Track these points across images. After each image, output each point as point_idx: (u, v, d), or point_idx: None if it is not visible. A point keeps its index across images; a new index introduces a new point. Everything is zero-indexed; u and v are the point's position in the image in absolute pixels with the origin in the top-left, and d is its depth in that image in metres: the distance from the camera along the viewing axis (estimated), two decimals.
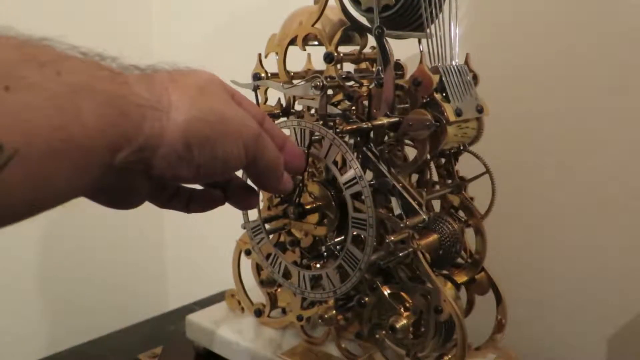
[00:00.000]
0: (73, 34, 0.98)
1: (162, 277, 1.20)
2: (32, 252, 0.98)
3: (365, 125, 0.51)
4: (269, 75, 0.62)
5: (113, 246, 1.09)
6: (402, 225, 0.50)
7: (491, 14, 0.71)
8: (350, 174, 0.51)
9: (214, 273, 0.90)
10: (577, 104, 0.67)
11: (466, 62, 0.56)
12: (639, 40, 0.62)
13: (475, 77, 0.56)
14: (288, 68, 0.61)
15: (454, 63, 0.54)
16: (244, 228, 0.62)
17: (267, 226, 0.60)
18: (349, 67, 0.63)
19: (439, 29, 0.53)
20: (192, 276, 1.17)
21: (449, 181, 0.59)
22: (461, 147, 0.57)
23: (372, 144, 0.53)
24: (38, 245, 0.98)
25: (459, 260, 0.59)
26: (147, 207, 1.25)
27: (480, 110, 0.54)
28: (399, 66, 0.61)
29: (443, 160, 0.59)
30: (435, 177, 0.60)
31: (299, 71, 0.65)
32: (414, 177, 0.59)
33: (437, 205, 0.61)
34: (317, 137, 0.53)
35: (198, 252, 1.15)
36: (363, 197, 0.50)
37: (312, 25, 0.57)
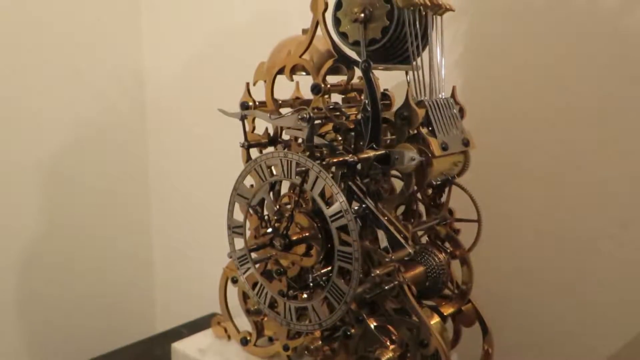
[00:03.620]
0: (63, 47, 0.98)
1: (150, 298, 1.19)
2: (14, 273, 0.96)
3: (351, 159, 0.51)
4: (257, 103, 0.62)
5: (100, 265, 1.08)
6: (387, 259, 0.50)
7: (478, 45, 0.72)
8: (335, 207, 0.51)
9: (204, 294, 0.89)
10: (564, 134, 0.67)
11: (453, 95, 0.56)
12: (627, 69, 0.62)
13: (461, 110, 0.56)
14: (277, 94, 0.61)
15: (440, 96, 0.54)
16: (230, 257, 0.61)
17: (253, 255, 0.60)
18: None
19: (426, 62, 0.54)
20: (181, 297, 1.16)
21: (436, 210, 0.59)
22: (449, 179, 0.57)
23: (358, 176, 0.53)
24: (20, 265, 0.97)
25: (446, 291, 0.59)
26: (135, 223, 1.23)
27: (466, 143, 0.54)
28: (386, 96, 0.61)
29: (430, 191, 0.59)
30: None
31: (287, 99, 0.65)
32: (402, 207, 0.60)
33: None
34: (303, 169, 0.53)
35: (187, 272, 1.15)
36: (349, 230, 0.50)
37: (300, 57, 0.57)
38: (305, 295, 0.58)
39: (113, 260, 1.10)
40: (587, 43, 0.64)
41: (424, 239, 0.61)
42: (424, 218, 0.60)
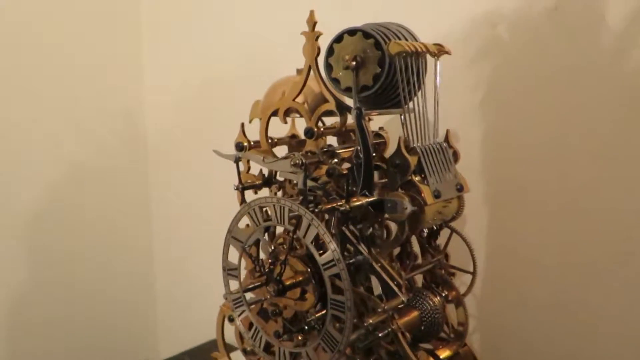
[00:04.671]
0: (63, 80, 0.97)
1: (152, 323, 1.19)
2: (12, 296, 0.96)
3: (343, 208, 0.50)
4: (252, 143, 0.62)
5: (101, 288, 1.08)
6: (379, 310, 0.50)
7: (469, 88, 0.71)
8: (328, 255, 0.51)
9: (208, 320, 0.89)
10: (569, 169, 0.66)
11: (446, 139, 0.55)
12: (634, 108, 0.62)
13: (455, 154, 0.56)
14: (274, 129, 0.61)
15: (434, 141, 0.54)
16: (226, 298, 0.61)
17: (249, 295, 0.60)
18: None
19: (419, 106, 0.53)
20: (184, 323, 1.16)
21: (432, 251, 0.59)
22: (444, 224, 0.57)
23: (351, 222, 0.53)
24: (21, 295, 0.97)
25: (442, 334, 0.58)
26: (136, 242, 1.22)
27: (460, 188, 0.53)
28: (379, 136, 0.61)
29: (426, 232, 0.59)
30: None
31: (282, 137, 0.65)
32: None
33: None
34: (296, 214, 0.53)
35: (190, 296, 1.15)
36: (341, 279, 0.50)
37: (294, 99, 0.57)
38: (300, 337, 0.57)
39: (115, 288, 1.09)
40: (595, 82, 0.64)
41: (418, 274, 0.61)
42: (420, 259, 0.60)
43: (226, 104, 0.97)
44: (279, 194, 0.62)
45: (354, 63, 0.51)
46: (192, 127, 1.07)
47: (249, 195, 0.62)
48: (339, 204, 0.51)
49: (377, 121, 0.64)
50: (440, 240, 0.60)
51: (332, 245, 0.50)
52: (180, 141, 1.10)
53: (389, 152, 0.56)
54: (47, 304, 1.00)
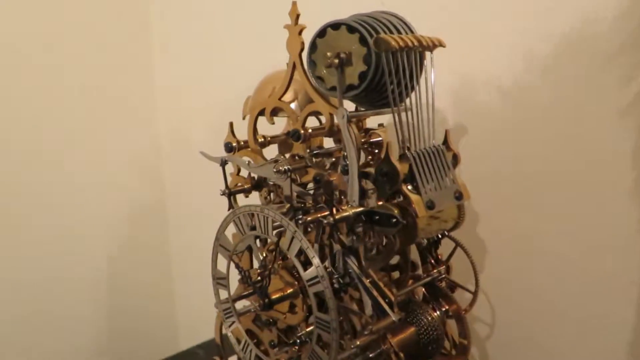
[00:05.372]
0: (76, 101, 0.91)
1: (171, 317, 1.18)
2: (36, 297, 0.97)
3: (326, 221, 0.46)
4: (242, 143, 0.58)
5: (121, 288, 1.07)
6: (366, 332, 0.46)
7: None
8: (312, 271, 0.47)
9: None
10: (586, 175, 0.60)
11: (445, 141, 0.50)
12: None
13: (455, 157, 0.50)
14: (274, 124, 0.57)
15: (432, 143, 0.48)
16: (217, 308, 0.59)
17: (238, 307, 0.57)
18: None
19: (414, 106, 0.48)
20: (201, 315, 1.14)
21: (432, 262, 0.54)
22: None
23: (341, 233, 0.48)
24: (42, 290, 0.97)
25: (443, 350, 0.54)
26: (153, 240, 1.17)
27: (458, 197, 0.48)
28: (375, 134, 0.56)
29: (425, 241, 0.54)
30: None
31: (277, 135, 0.61)
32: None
33: None
34: (280, 224, 0.49)
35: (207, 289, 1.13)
36: (326, 298, 0.46)
37: (279, 99, 0.53)
38: (295, 349, 0.54)
39: (135, 289, 1.09)
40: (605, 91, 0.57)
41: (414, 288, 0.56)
42: (420, 269, 0.55)
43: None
44: (271, 197, 0.58)
45: (337, 61, 0.46)
46: (205, 122, 1.03)
47: (241, 199, 0.59)
48: (324, 214, 0.47)
49: (375, 117, 0.59)
50: (445, 250, 0.56)
51: (316, 261, 0.46)
52: (193, 143, 1.06)
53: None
54: (70, 298, 1.00)
